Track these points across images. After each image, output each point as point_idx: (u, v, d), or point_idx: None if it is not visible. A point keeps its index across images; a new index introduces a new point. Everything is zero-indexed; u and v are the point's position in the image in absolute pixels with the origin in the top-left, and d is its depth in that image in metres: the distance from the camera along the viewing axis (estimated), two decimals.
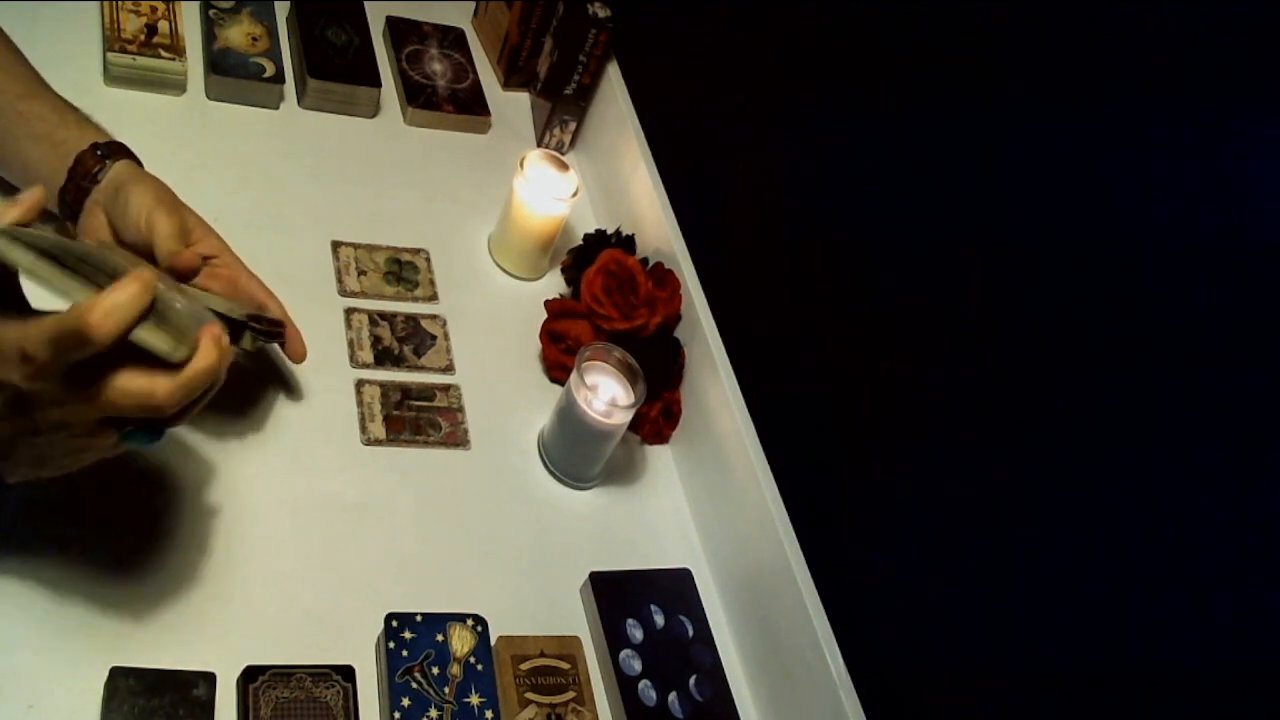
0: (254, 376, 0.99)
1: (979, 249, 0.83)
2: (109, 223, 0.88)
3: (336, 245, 1.12)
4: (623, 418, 1.02)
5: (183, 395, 0.70)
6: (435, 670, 0.85)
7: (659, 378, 1.08)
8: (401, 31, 1.34)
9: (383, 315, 1.09)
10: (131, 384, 0.68)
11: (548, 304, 1.14)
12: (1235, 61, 0.67)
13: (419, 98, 1.28)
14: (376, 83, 1.25)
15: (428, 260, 1.16)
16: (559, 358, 1.12)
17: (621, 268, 1.11)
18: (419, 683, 0.84)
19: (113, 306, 0.65)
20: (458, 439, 1.04)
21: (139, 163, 0.93)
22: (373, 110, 1.26)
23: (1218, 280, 0.68)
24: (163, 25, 1.16)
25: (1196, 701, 0.67)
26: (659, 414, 1.11)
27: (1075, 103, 0.76)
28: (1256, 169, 0.66)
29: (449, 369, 1.08)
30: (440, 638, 0.87)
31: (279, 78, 1.19)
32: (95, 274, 0.69)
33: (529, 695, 0.88)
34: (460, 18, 1.42)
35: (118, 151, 0.92)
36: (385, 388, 1.04)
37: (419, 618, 0.87)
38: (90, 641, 0.80)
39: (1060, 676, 0.75)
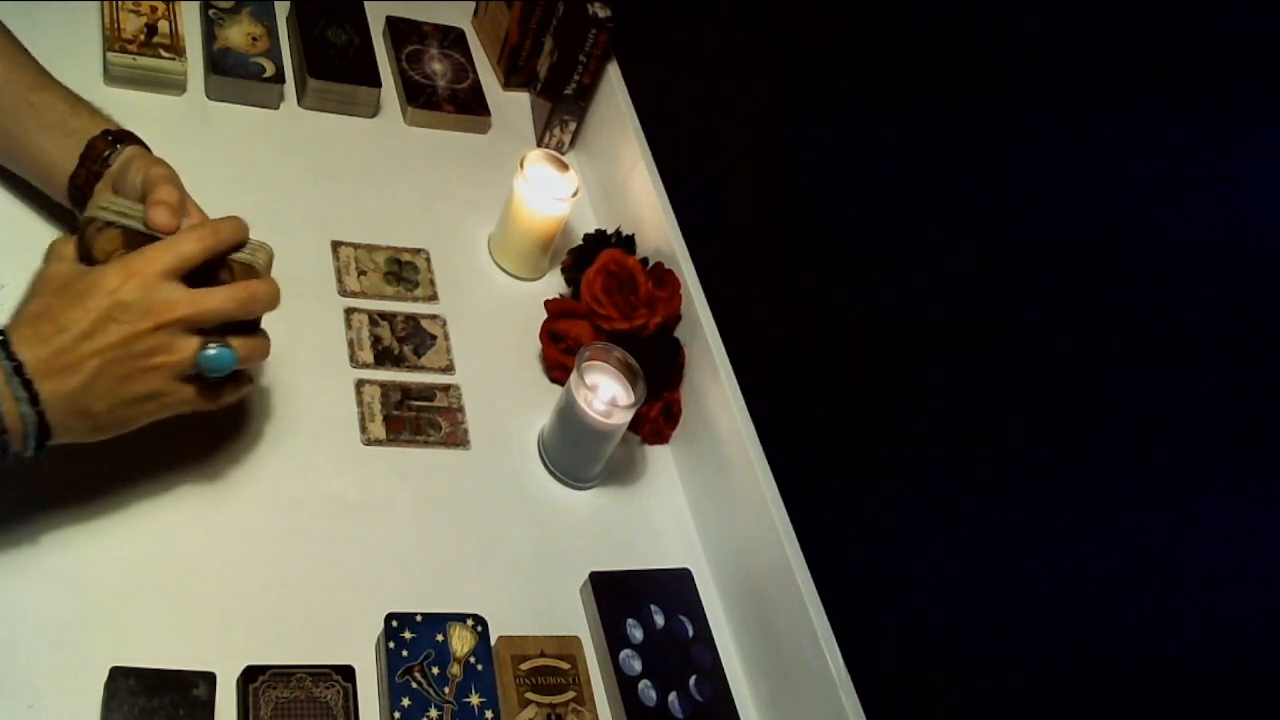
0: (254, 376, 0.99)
1: (979, 249, 0.83)
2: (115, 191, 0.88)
3: (336, 245, 1.12)
4: (623, 418, 1.02)
5: (270, 294, 0.84)
6: (435, 670, 0.85)
7: (659, 378, 1.08)
8: (401, 31, 1.34)
9: (383, 315, 1.09)
10: (227, 289, 0.82)
11: (548, 304, 1.14)
12: (1235, 62, 0.67)
13: (419, 98, 1.28)
14: (376, 83, 1.25)
15: (428, 260, 1.16)
16: (559, 358, 1.12)
17: (621, 268, 1.11)
18: (419, 683, 0.84)
19: (231, 221, 0.84)
20: (458, 439, 1.04)
21: (149, 150, 0.93)
22: (373, 110, 1.26)
23: (1218, 280, 0.68)
24: (163, 25, 1.16)
25: (1197, 701, 0.67)
26: (659, 414, 1.11)
27: (1075, 103, 0.76)
28: (1257, 169, 0.66)
29: (449, 369, 1.08)
30: (440, 638, 0.87)
31: (279, 78, 1.19)
32: None
33: (529, 695, 0.88)
34: (460, 18, 1.42)
35: (128, 138, 0.93)
36: (385, 388, 1.04)
37: (419, 618, 0.87)
38: (90, 641, 0.80)
39: (1060, 676, 0.75)
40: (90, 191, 0.90)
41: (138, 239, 0.81)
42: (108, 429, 0.81)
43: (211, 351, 0.81)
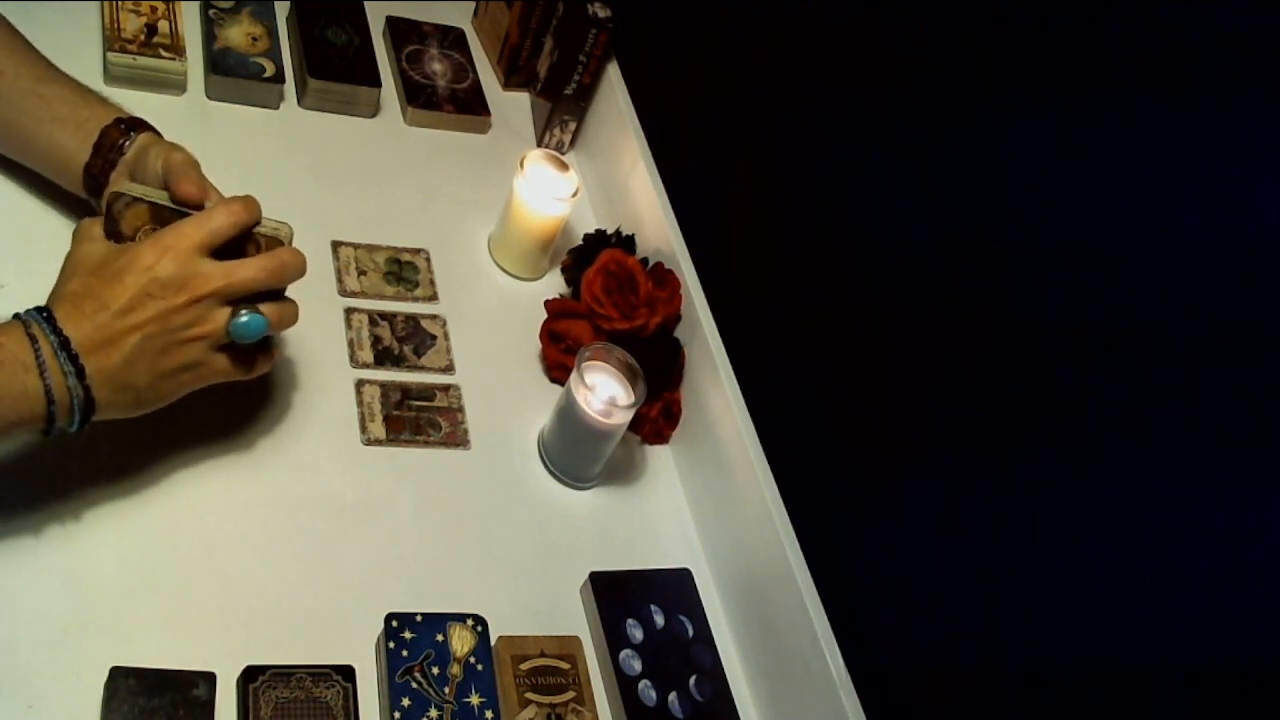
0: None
1: (979, 249, 0.83)
2: (131, 178, 0.89)
3: (336, 245, 1.12)
4: (623, 418, 1.02)
5: (298, 262, 0.86)
6: (435, 670, 0.85)
7: (659, 378, 1.08)
8: (401, 31, 1.34)
9: (383, 315, 1.09)
10: (258, 259, 0.84)
11: (548, 304, 1.14)
12: (1236, 62, 0.67)
13: (419, 98, 1.28)
14: (376, 83, 1.25)
15: (428, 260, 1.16)
16: (559, 358, 1.12)
17: (621, 268, 1.11)
18: (419, 683, 0.84)
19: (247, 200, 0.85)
20: (458, 439, 1.04)
21: (161, 136, 0.94)
22: (373, 110, 1.26)
23: (1218, 280, 0.68)
24: (163, 25, 1.16)
25: (1196, 701, 0.67)
26: (659, 414, 1.11)
27: (1075, 102, 0.76)
28: (1257, 169, 0.66)
29: (449, 369, 1.08)
30: (440, 638, 0.87)
31: (279, 78, 1.19)
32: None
33: (529, 695, 0.88)
34: (460, 18, 1.42)
35: (141, 125, 0.94)
36: (385, 388, 1.04)
37: (419, 618, 0.87)
38: (90, 641, 0.80)
39: (1060, 676, 0.75)
40: (106, 180, 0.92)
41: (165, 214, 0.84)
42: (148, 403, 0.83)
43: (244, 319, 0.83)
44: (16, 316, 0.78)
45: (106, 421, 0.90)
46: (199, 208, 0.85)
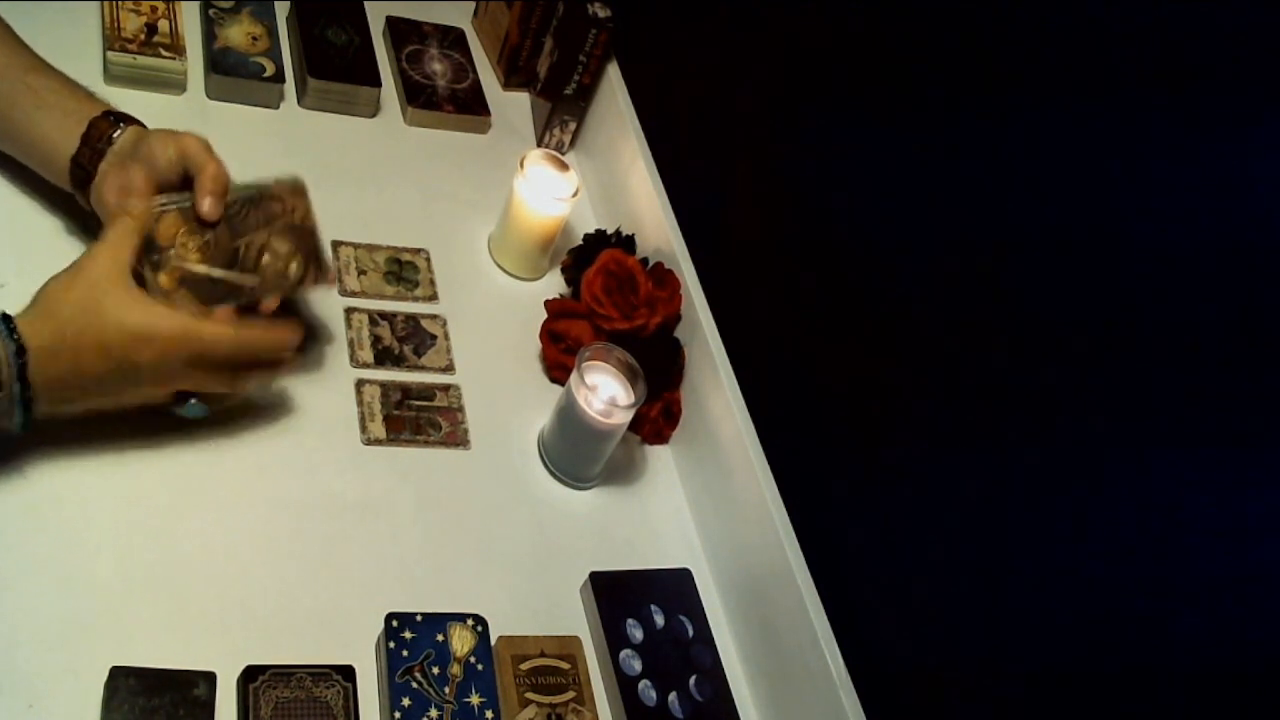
0: None
1: (980, 249, 0.84)
2: (130, 179, 0.89)
3: (336, 245, 1.12)
4: (623, 418, 1.02)
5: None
6: (435, 670, 0.85)
7: (659, 378, 1.08)
8: (401, 31, 1.34)
9: (383, 315, 1.09)
10: (226, 377, 0.88)
11: (548, 304, 1.14)
12: (1235, 61, 0.67)
13: (419, 98, 1.28)
14: (376, 83, 1.25)
15: (428, 260, 1.16)
16: (559, 358, 1.12)
17: (621, 268, 1.11)
18: (419, 682, 0.84)
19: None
20: (458, 439, 1.04)
21: (148, 130, 0.95)
22: (373, 110, 1.26)
23: (1218, 280, 0.68)
24: (163, 24, 1.16)
25: (1196, 701, 0.67)
26: (659, 414, 1.11)
27: (1075, 101, 0.76)
28: (1257, 169, 0.66)
29: (449, 369, 1.08)
30: (440, 638, 0.87)
31: (279, 77, 1.19)
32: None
33: (529, 695, 0.88)
34: (460, 18, 1.42)
35: (128, 119, 0.94)
36: (385, 387, 1.04)
37: (419, 618, 0.87)
38: (90, 641, 0.80)
39: (1060, 676, 0.75)
40: (94, 171, 0.92)
41: (191, 213, 0.88)
42: (78, 406, 0.85)
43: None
44: None
45: (107, 422, 0.90)
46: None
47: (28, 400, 0.80)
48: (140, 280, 0.84)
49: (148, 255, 0.86)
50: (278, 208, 0.90)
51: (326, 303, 1.08)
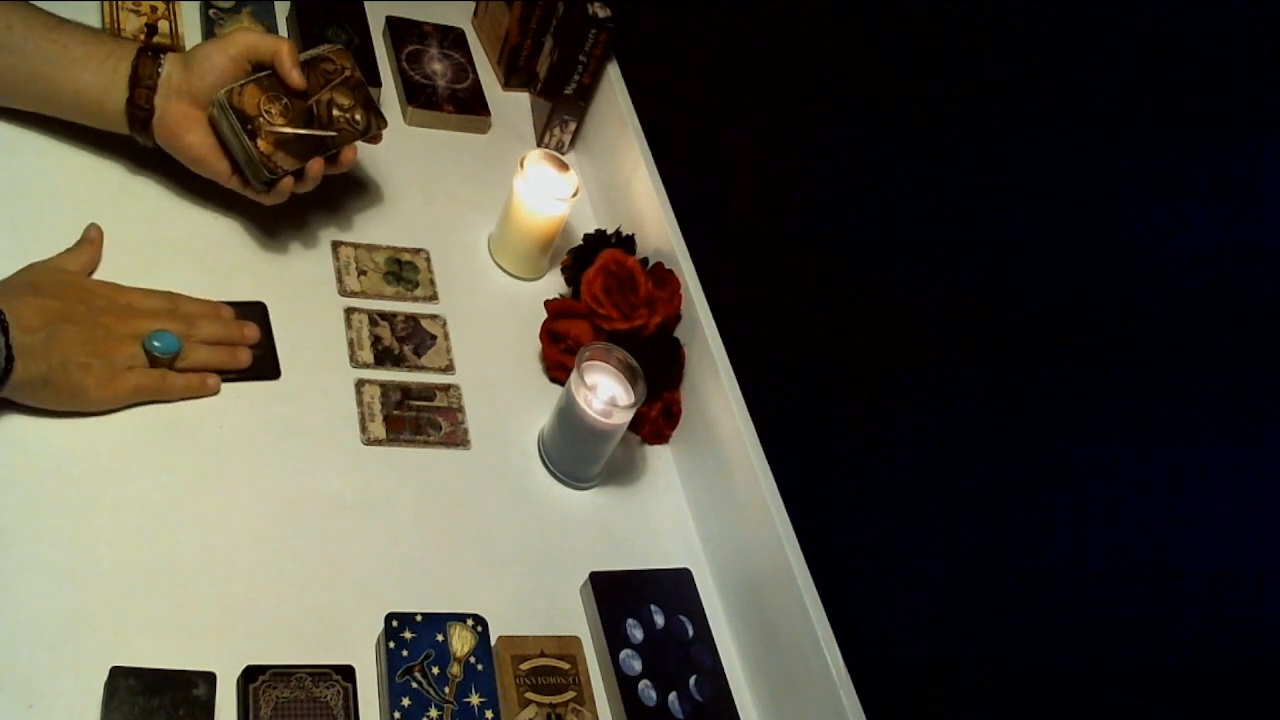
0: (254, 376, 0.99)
1: (979, 249, 0.84)
2: (192, 98, 0.99)
3: (336, 245, 1.12)
4: (623, 418, 1.02)
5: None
6: (435, 670, 0.85)
7: (659, 378, 1.08)
8: (401, 31, 1.34)
9: (383, 315, 1.09)
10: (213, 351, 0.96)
11: (548, 304, 1.14)
12: (1236, 66, 0.67)
13: (419, 98, 1.28)
14: (376, 83, 1.24)
15: (428, 260, 1.16)
16: (559, 358, 1.12)
17: (621, 268, 1.11)
18: (419, 683, 0.84)
19: None
20: (458, 439, 1.04)
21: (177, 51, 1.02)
22: None
23: (1218, 280, 0.68)
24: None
25: (1196, 700, 0.67)
26: (659, 414, 1.11)
27: (1075, 103, 0.76)
28: (1257, 168, 0.66)
29: (449, 369, 1.08)
30: (440, 638, 0.87)
31: None
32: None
33: (529, 695, 0.88)
34: (460, 18, 1.42)
35: (164, 48, 1.01)
36: (385, 387, 1.04)
37: (419, 618, 0.87)
38: (90, 641, 0.80)
39: (1060, 676, 0.75)
40: (152, 108, 0.98)
41: (265, 82, 1.01)
42: (58, 382, 0.87)
43: (160, 336, 0.93)
44: None
45: (106, 420, 0.90)
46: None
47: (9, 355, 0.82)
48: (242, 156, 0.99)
49: (244, 126, 0.98)
50: (331, 67, 1.04)
51: (327, 303, 1.08)
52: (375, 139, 1.08)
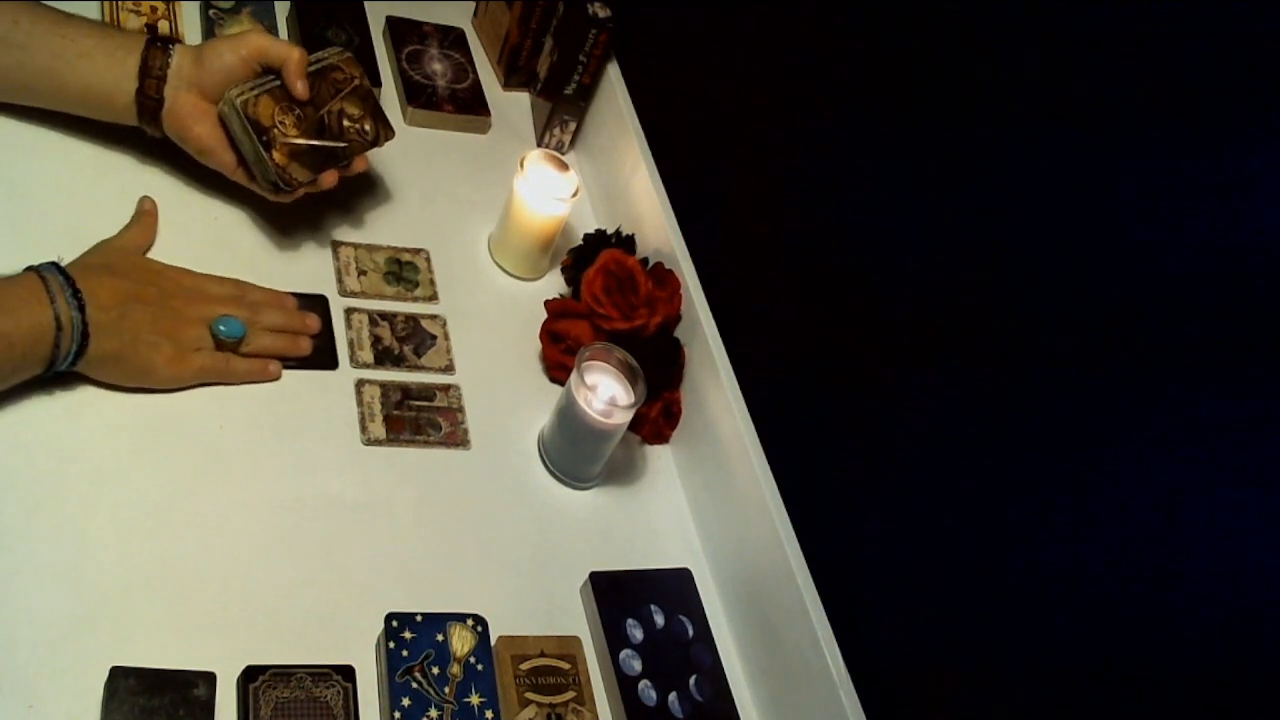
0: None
1: (979, 250, 0.84)
2: (201, 91, 0.99)
3: (336, 245, 1.12)
4: (623, 418, 1.02)
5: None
6: (435, 670, 0.85)
7: (659, 378, 1.08)
8: (401, 31, 1.34)
9: (383, 315, 1.09)
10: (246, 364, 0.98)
11: (548, 304, 1.14)
12: (1235, 67, 0.67)
13: (419, 98, 1.28)
14: (376, 83, 1.24)
15: (428, 260, 1.16)
16: (559, 358, 1.12)
17: (621, 268, 1.11)
18: (419, 682, 0.84)
19: None
20: (458, 439, 1.04)
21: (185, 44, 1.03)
22: None
23: (1218, 281, 0.68)
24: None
25: (1196, 700, 0.67)
26: (659, 414, 1.11)
27: (1075, 104, 0.76)
28: (1256, 168, 0.66)
29: (449, 369, 1.08)
30: (440, 638, 0.87)
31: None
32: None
33: (529, 695, 0.88)
34: (460, 18, 1.42)
35: (172, 39, 1.01)
36: (385, 388, 1.04)
37: (419, 618, 0.87)
38: (90, 641, 0.80)
39: (1059, 675, 0.75)
40: (163, 98, 0.98)
41: (279, 92, 1.01)
42: (128, 360, 0.90)
43: (223, 327, 0.96)
44: (29, 267, 0.87)
45: (107, 421, 0.90)
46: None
47: (78, 293, 0.86)
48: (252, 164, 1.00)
49: (259, 137, 0.98)
50: (341, 76, 1.05)
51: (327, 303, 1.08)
52: (380, 144, 1.09)
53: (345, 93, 1.04)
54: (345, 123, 1.04)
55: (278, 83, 1.01)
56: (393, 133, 1.09)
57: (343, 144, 1.04)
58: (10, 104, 1.02)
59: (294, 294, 1.04)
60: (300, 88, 1.01)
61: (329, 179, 1.03)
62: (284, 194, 1.03)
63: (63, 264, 0.88)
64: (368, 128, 1.06)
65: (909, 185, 0.90)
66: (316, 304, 1.06)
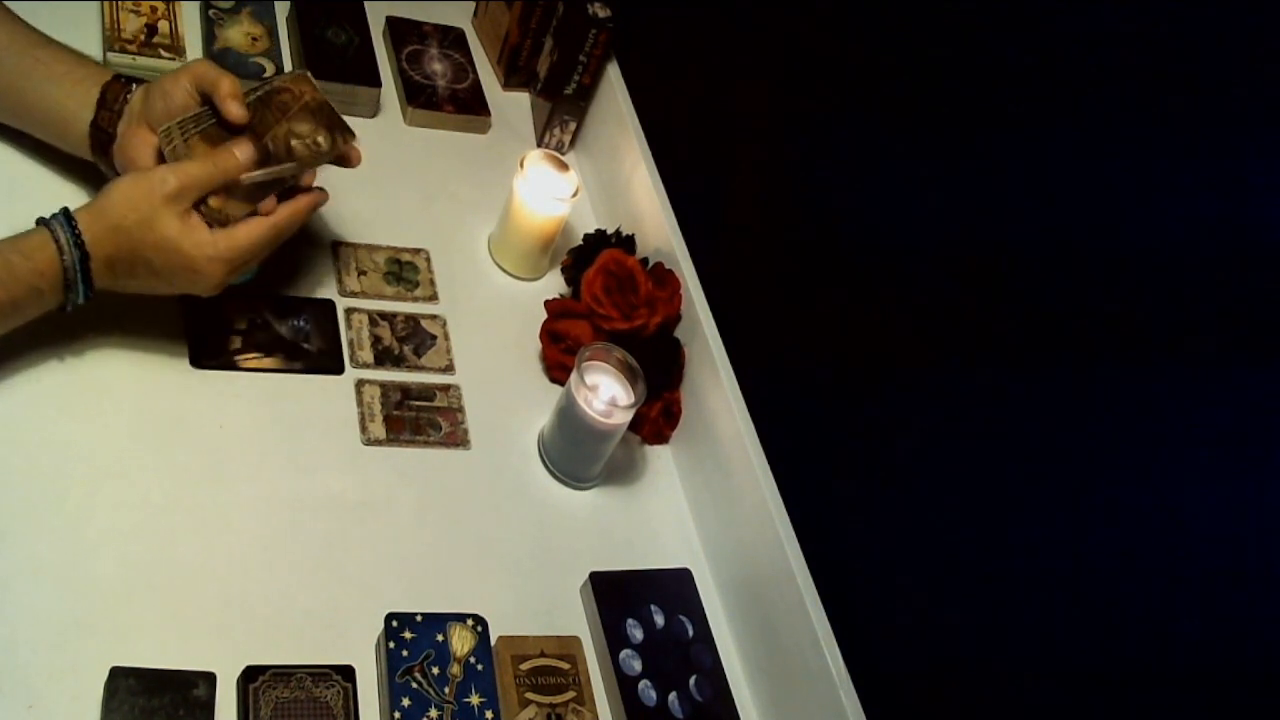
0: (253, 376, 0.99)
1: (980, 249, 0.84)
2: (149, 125, 0.93)
3: (336, 245, 1.12)
4: (623, 418, 1.02)
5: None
6: (435, 670, 0.85)
7: (659, 378, 1.08)
8: (401, 31, 1.34)
9: (383, 315, 1.09)
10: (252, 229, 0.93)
11: (548, 304, 1.14)
12: (1234, 64, 0.67)
13: (419, 98, 1.28)
14: (376, 83, 1.25)
15: (428, 260, 1.16)
16: (559, 358, 1.12)
17: (621, 268, 1.11)
18: (419, 683, 0.84)
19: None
20: (458, 439, 1.04)
21: None
22: (373, 110, 1.26)
23: (1217, 280, 0.68)
24: (163, 25, 1.16)
25: (1196, 700, 0.67)
26: (659, 414, 1.11)
27: (1075, 106, 0.76)
28: (1256, 167, 0.66)
29: (449, 369, 1.08)
30: (440, 638, 0.87)
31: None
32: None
33: (529, 695, 0.88)
34: (460, 18, 1.42)
35: (138, 80, 0.97)
36: (385, 388, 1.04)
37: (419, 618, 0.87)
38: (90, 641, 0.80)
39: (1060, 676, 0.75)
40: (114, 132, 0.95)
41: (212, 131, 0.93)
42: (136, 246, 0.88)
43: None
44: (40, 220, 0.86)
45: (107, 420, 0.90)
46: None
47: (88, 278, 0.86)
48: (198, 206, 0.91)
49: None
50: (288, 98, 0.97)
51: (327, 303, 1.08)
52: (347, 155, 1.01)
53: (293, 112, 0.98)
54: (293, 142, 0.97)
55: (211, 122, 0.94)
56: (352, 134, 1.01)
57: (289, 169, 0.96)
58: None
59: (299, 298, 1.03)
60: (234, 109, 0.93)
61: (266, 207, 0.95)
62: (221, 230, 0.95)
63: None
64: (320, 140, 0.98)
65: (909, 185, 0.90)
66: (322, 309, 1.05)
